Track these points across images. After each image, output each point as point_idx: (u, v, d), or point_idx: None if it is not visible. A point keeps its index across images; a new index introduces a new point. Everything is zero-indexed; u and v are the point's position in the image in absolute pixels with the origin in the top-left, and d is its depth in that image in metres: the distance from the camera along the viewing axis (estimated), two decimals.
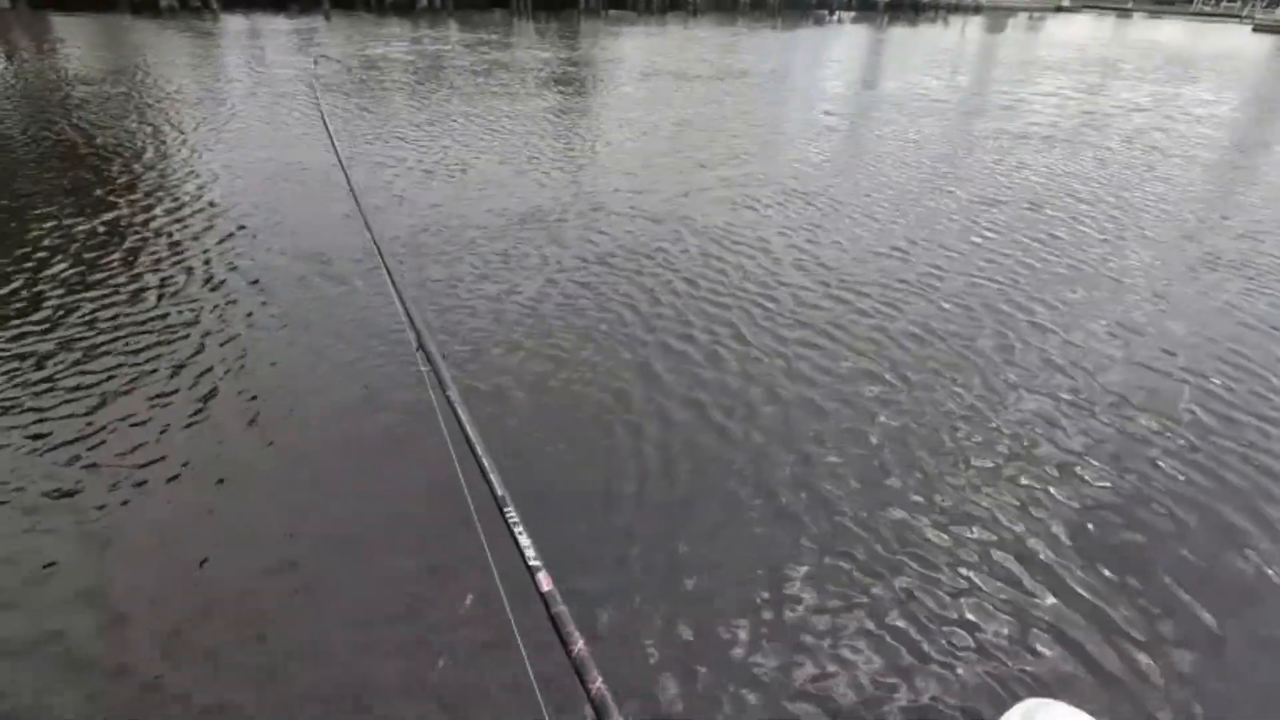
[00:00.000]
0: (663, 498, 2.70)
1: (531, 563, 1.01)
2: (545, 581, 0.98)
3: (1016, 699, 1.90)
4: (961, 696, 2.00)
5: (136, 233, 5.08)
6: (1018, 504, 2.71)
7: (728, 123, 9.34)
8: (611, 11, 28.79)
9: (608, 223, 5.59)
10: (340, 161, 2.92)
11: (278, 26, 19.40)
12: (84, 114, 8.44)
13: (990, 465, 2.93)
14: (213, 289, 4.28)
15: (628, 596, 2.26)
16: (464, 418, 1.31)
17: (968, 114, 10.61)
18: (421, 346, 1.54)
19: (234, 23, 19.85)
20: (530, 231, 5.37)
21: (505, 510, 1.11)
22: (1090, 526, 2.62)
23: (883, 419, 3.20)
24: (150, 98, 9.48)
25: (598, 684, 0.85)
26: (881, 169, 7.40)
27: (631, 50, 17.40)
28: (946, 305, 4.34)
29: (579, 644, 0.89)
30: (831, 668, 2.07)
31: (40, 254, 4.66)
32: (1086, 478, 2.87)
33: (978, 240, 5.48)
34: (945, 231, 5.65)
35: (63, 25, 17.79)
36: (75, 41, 14.99)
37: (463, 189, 6.28)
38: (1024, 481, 2.84)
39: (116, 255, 4.69)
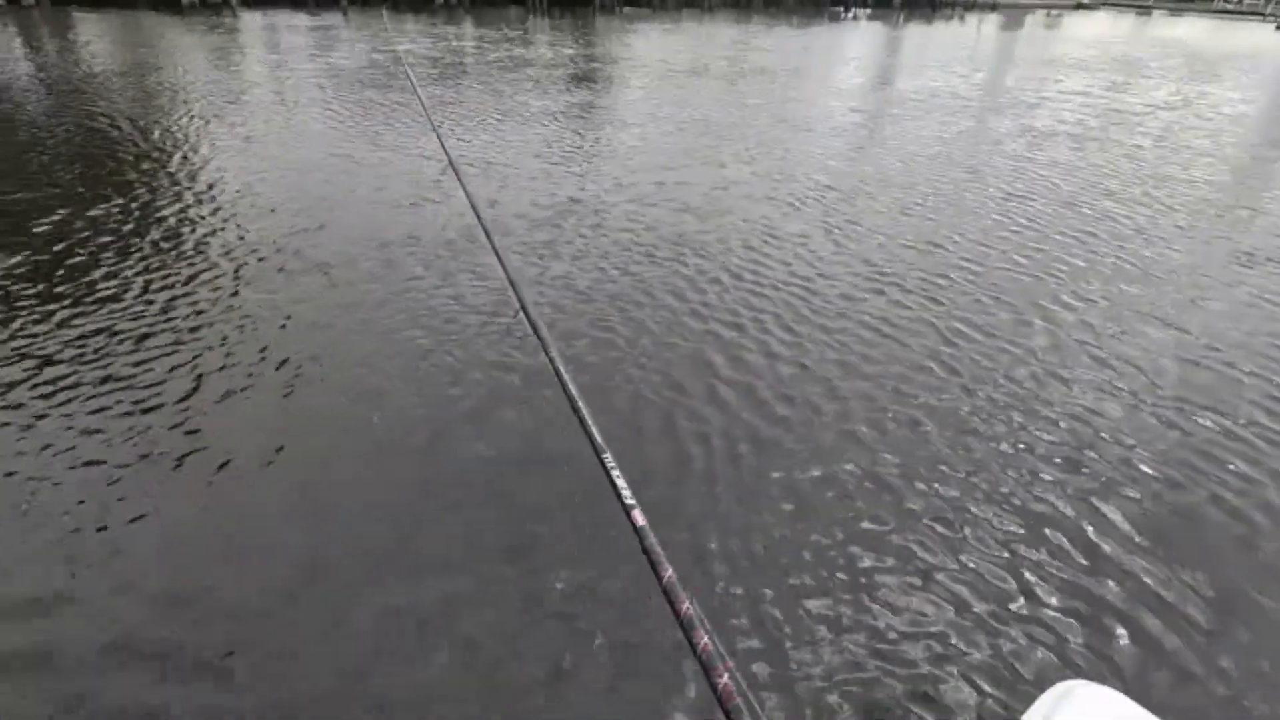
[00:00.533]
0: (732, 479, 2.75)
1: (627, 501, 1.09)
2: (639, 518, 1.06)
3: (1052, 681, 1.95)
4: (999, 675, 2.03)
5: (202, 222, 5.19)
6: (1073, 493, 2.74)
7: (752, 119, 9.35)
8: (627, 9, 28.77)
9: (648, 215, 5.64)
10: (446, 153, 3.10)
11: (297, 23, 19.53)
12: (120, 106, 8.57)
13: (1044, 456, 2.95)
14: (288, 274, 4.39)
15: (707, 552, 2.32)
16: (566, 377, 1.42)
17: (992, 111, 10.56)
18: (524, 309, 1.62)
19: (254, 20, 20.00)
20: (574, 220, 5.45)
21: (603, 456, 1.22)
22: (1146, 517, 2.64)
23: (935, 406, 3.24)
24: (189, 92, 9.60)
25: (685, 605, 0.91)
26: (912, 165, 7.39)
27: (649, 47, 17.40)
28: (986, 299, 4.36)
29: (669, 572, 0.97)
30: (883, 643, 2.11)
31: (106, 238, 4.77)
32: (1141, 468, 2.89)
33: (1015, 234, 5.49)
34: (982, 226, 5.65)
35: (85, 22, 17.98)
36: (101, 37, 15.15)
37: (503, 180, 6.36)
38: (1080, 471, 2.86)
39: (187, 244, 4.80)
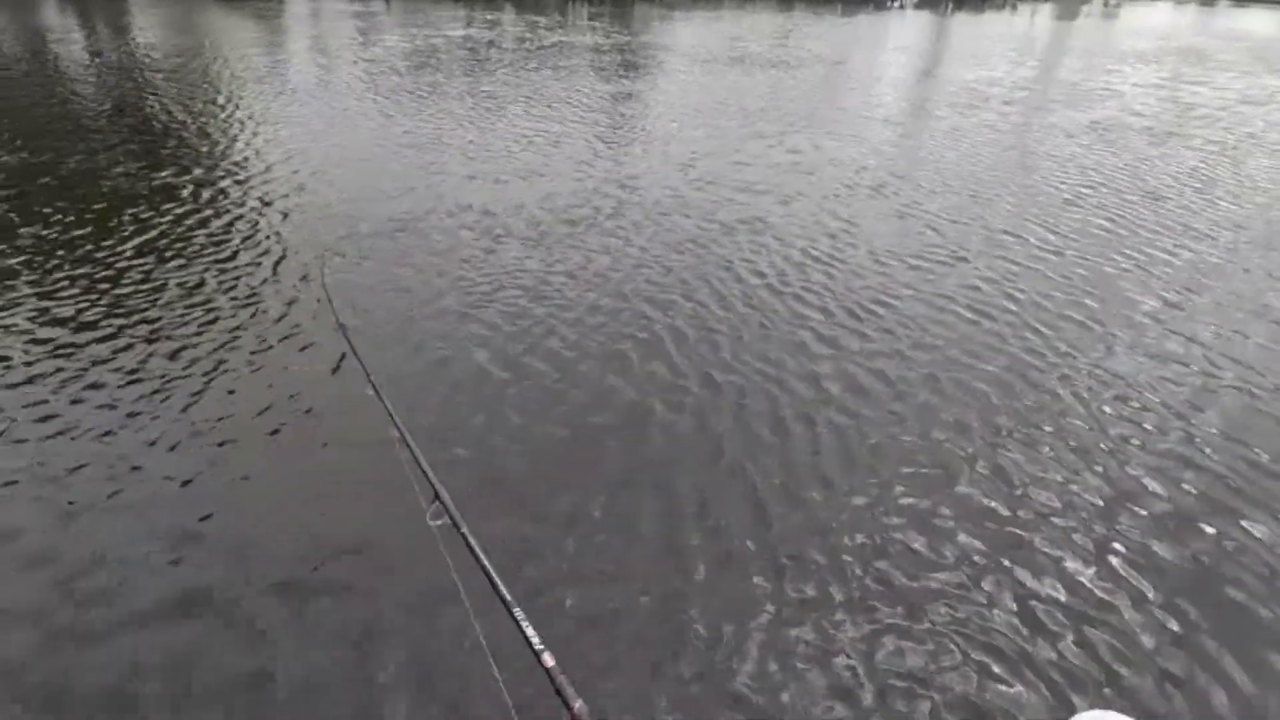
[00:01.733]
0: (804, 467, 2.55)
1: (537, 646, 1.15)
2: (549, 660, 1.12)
3: (1077, 708, 1.82)
4: (1021, 701, 1.88)
5: (251, 209, 5.14)
6: (1129, 512, 2.48)
7: (798, 110, 9.04)
8: None
9: (701, 200, 5.46)
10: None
11: (340, 9, 19.64)
12: (174, 91, 8.63)
13: (1115, 472, 2.70)
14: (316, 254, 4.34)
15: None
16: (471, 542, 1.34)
17: (1056, 104, 10.05)
18: (438, 498, 1.51)
19: (299, 6, 20.18)
20: (637, 195, 5.39)
21: (514, 610, 1.22)
22: (1186, 535, 2.41)
23: (994, 401, 3.04)
24: (240, 77, 9.64)
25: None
26: (975, 157, 7.03)
27: (691, 37, 17.06)
28: (1060, 295, 4.06)
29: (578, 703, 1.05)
30: (906, 661, 1.98)
31: (162, 201, 4.75)
32: (1196, 487, 2.62)
33: (1103, 230, 5.14)
34: (1058, 221, 5.31)
35: (138, 6, 18.33)
36: (152, 24, 15.41)
37: (564, 161, 6.26)
38: (1142, 484, 2.60)
39: (242, 226, 4.75)
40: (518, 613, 1.17)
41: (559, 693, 1.06)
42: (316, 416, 2.93)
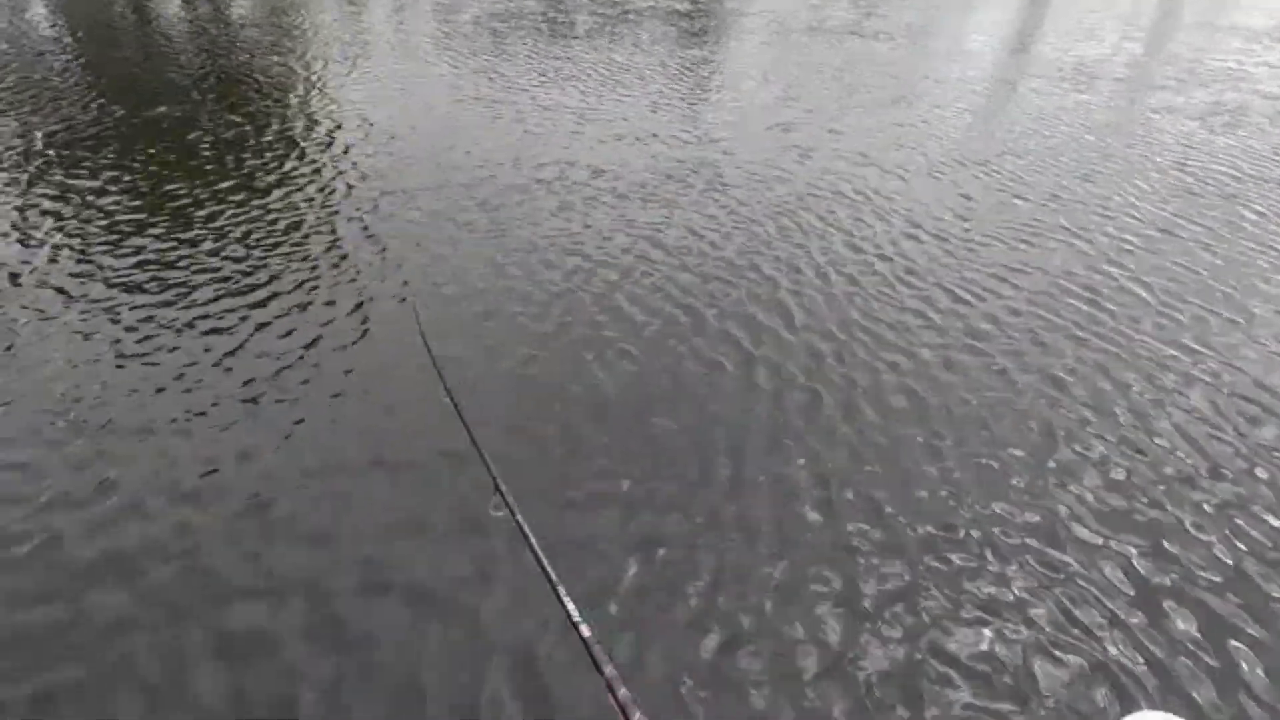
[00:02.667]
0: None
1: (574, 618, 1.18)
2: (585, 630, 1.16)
3: (1130, 709, 1.81)
4: (1074, 698, 1.86)
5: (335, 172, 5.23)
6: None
7: (891, 82, 8.57)
8: None
9: (800, 171, 5.29)
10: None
11: None
12: (265, 44, 8.84)
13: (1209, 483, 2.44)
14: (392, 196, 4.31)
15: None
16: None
17: (1173, 84, 9.20)
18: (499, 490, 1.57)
19: None
20: (734, 165, 5.43)
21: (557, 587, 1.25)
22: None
23: (1109, 389, 2.88)
24: (319, 32, 9.80)
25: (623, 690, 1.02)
26: (1082, 138, 6.52)
27: (773, 2, 16.37)
28: (1183, 284, 3.72)
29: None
30: (961, 650, 1.98)
31: (239, 152, 4.88)
32: None
33: (1233, 220, 4.71)
34: (1181, 207, 4.87)
35: None
36: None
37: (652, 128, 6.19)
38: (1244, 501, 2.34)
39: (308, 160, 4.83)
40: (561, 590, 1.24)
41: (592, 659, 1.10)
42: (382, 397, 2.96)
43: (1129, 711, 1.77)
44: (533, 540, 1.36)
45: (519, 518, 1.45)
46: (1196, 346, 3.38)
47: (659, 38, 10.76)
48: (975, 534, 2.33)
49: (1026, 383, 3.10)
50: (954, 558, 2.25)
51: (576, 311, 3.50)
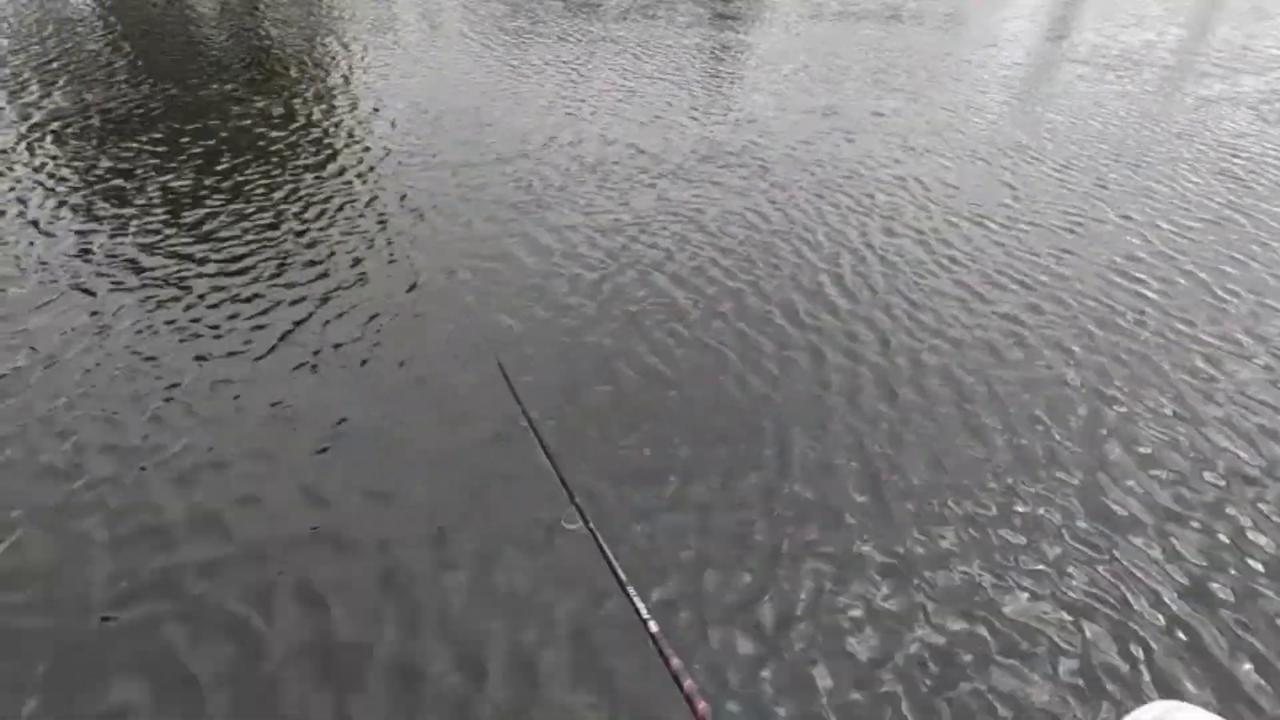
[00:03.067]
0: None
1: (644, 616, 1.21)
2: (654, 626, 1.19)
3: (1148, 698, 1.78)
4: (1093, 687, 1.87)
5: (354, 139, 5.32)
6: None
7: (924, 68, 8.45)
8: None
9: (838, 155, 5.27)
10: None
11: None
12: (297, 23, 8.94)
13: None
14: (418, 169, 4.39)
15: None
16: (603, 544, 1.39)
17: (1221, 72, 8.94)
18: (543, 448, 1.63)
19: None
20: (774, 147, 5.30)
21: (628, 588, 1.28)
22: None
23: (1154, 376, 2.83)
24: (347, 9, 9.88)
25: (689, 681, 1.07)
26: (1127, 126, 6.39)
27: None
28: (1235, 272, 3.68)
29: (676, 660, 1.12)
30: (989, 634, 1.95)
31: (266, 129, 4.98)
32: None
33: None
34: (1233, 198, 4.78)
35: None
36: None
37: (686, 111, 6.11)
38: None
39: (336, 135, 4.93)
40: (631, 590, 1.27)
41: (660, 654, 1.12)
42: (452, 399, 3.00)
43: (1150, 699, 1.80)
44: (606, 549, 1.37)
45: (592, 526, 1.46)
46: (1247, 339, 3.35)
47: (693, 20, 10.66)
48: (1022, 511, 2.37)
49: (1073, 371, 3.10)
50: (1000, 536, 2.29)
51: (619, 291, 3.56)
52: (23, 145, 4.98)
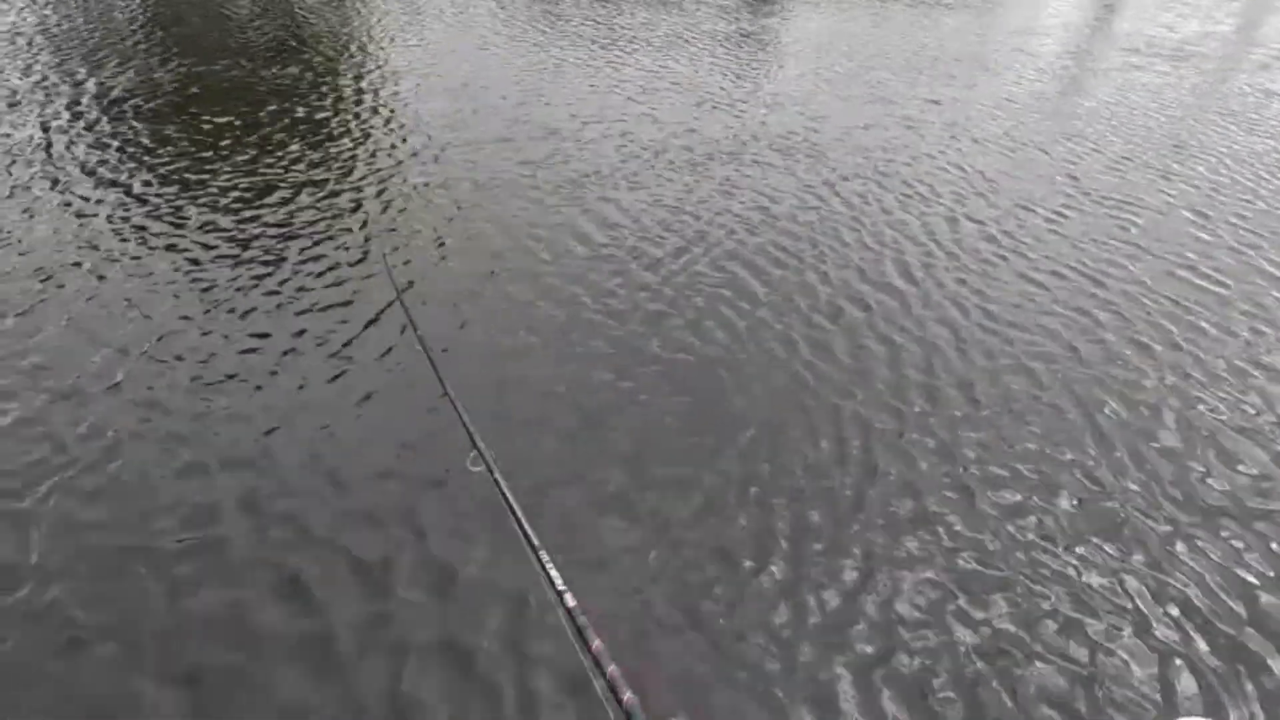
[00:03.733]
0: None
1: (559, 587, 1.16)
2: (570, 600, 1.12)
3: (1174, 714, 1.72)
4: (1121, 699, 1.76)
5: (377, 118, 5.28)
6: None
7: (956, 56, 8.24)
8: None
9: (872, 142, 5.17)
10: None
11: None
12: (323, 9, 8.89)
13: None
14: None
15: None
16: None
17: (1273, 65, 8.62)
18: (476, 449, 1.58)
19: None
20: (811, 122, 5.06)
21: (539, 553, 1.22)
22: None
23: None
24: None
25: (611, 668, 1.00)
26: (1175, 119, 6.17)
27: None
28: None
29: (596, 642, 1.03)
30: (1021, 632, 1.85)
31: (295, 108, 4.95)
32: None
33: None
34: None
35: None
36: None
37: (725, 95, 5.98)
38: None
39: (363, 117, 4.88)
40: (543, 555, 1.19)
41: (579, 632, 1.04)
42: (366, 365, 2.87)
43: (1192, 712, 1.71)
44: (513, 503, 1.30)
45: (497, 476, 1.42)
46: None
47: (728, 6, 10.48)
48: (1068, 507, 2.28)
49: (1144, 362, 2.99)
50: (1036, 525, 2.21)
51: (693, 274, 3.49)
52: (80, 122, 4.99)
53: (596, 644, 1.02)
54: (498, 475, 1.41)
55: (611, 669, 0.97)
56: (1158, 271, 3.72)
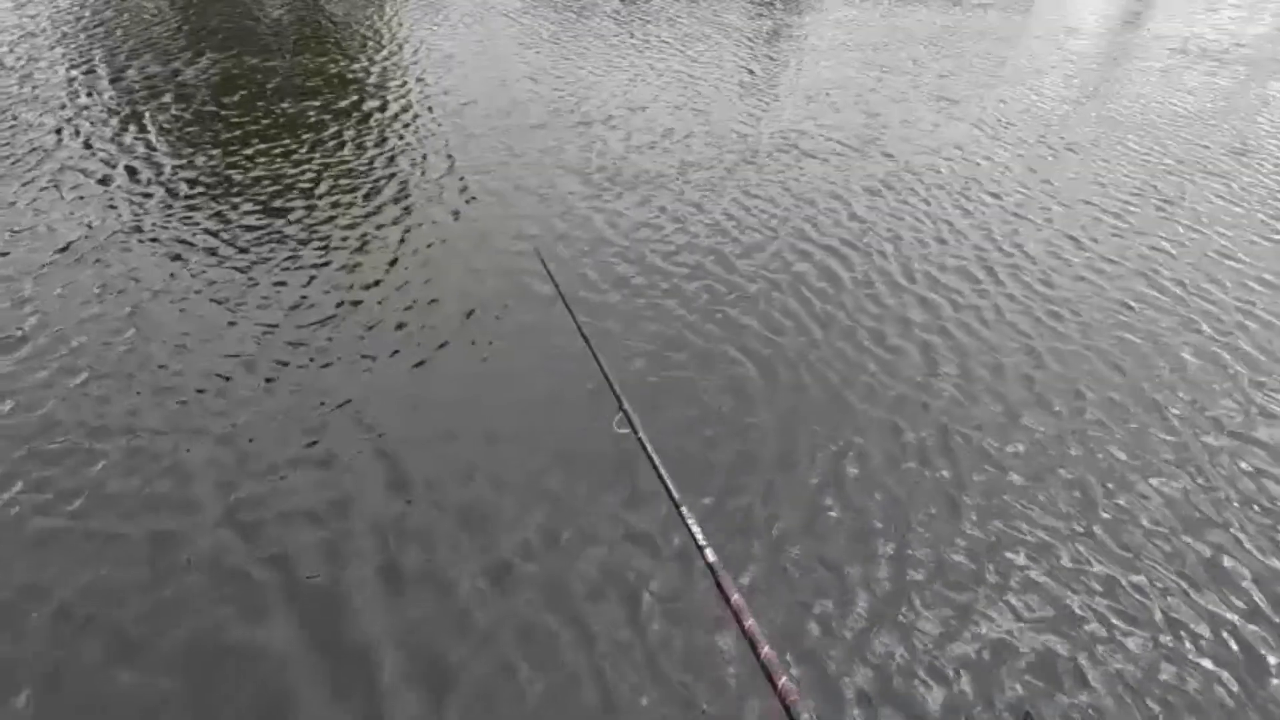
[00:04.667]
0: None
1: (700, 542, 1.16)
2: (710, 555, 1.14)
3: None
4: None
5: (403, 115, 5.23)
6: None
7: (988, 51, 8.08)
8: None
9: (905, 149, 5.07)
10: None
11: None
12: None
13: None
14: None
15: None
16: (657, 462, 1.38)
17: None
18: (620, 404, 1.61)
19: None
20: (833, 137, 4.99)
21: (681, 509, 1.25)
22: None
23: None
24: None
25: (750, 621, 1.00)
26: (1240, 121, 5.96)
27: None
28: None
29: (735, 595, 1.05)
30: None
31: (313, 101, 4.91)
32: None
33: None
34: None
35: None
36: None
37: (749, 93, 5.95)
38: None
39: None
40: (685, 512, 1.22)
41: (719, 585, 1.07)
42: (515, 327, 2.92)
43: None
44: (657, 463, 1.34)
45: (641, 436, 1.47)
46: None
47: (748, 6, 10.40)
48: (1110, 506, 2.20)
49: (1187, 362, 2.88)
50: (1080, 524, 2.14)
51: (689, 271, 3.40)
52: (128, 110, 4.96)
53: (735, 597, 1.03)
54: (642, 434, 1.49)
55: (750, 623, 0.99)
56: (1223, 273, 3.55)
